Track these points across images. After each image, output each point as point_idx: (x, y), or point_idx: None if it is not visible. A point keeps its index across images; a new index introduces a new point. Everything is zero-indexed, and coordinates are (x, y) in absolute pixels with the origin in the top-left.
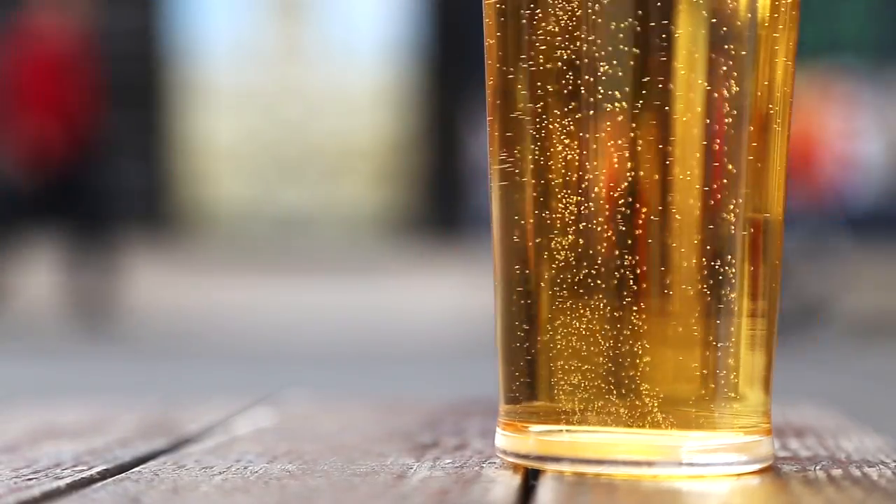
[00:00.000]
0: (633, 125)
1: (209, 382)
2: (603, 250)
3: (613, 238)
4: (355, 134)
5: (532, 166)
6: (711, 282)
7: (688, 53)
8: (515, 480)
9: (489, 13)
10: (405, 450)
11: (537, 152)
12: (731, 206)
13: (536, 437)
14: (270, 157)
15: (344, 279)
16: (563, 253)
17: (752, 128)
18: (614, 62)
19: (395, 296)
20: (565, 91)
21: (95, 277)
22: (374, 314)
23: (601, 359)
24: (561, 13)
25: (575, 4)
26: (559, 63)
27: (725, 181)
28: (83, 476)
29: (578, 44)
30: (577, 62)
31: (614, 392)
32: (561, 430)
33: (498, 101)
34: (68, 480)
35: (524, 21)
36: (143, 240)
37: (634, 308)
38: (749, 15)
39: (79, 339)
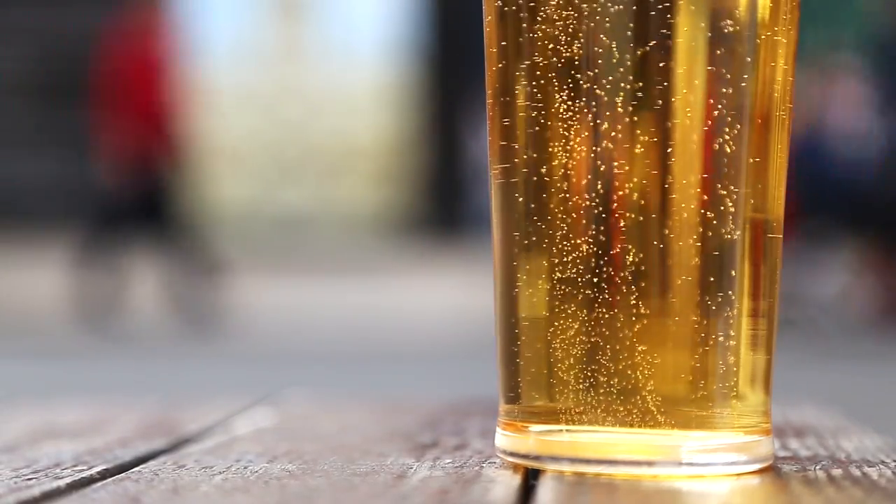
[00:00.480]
0: (633, 125)
1: (209, 382)
2: (603, 250)
3: (613, 238)
4: (355, 134)
5: (532, 166)
6: (711, 281)
7: (688, 53)
8: (515, 480)
9: (489, 13)
10: (405, 450)
11: (538, 152)
12: (731, 206)
13: (536, 437)
14: (270, 157)
15: (344, 279)
16: (563, 253)
17: (752, 127)
18: (614, 62)
19: (395, 296)
20: (565, 91)
21: (195, 279)
22: (374, 314)
23: (601, 358)
24: (561, 13)
25: (575, 4)
26: (559, 63)
27: (726, 181)
28: (83, 476)
29: (578, 43)
30: (577, 62)
31: (614, 392)
32: (561, 430)
33: (498, 101)
34: (68, 480)
35: (524, 21)
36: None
37: (634, 308)
38: (749, 15)
39: (185, 339)
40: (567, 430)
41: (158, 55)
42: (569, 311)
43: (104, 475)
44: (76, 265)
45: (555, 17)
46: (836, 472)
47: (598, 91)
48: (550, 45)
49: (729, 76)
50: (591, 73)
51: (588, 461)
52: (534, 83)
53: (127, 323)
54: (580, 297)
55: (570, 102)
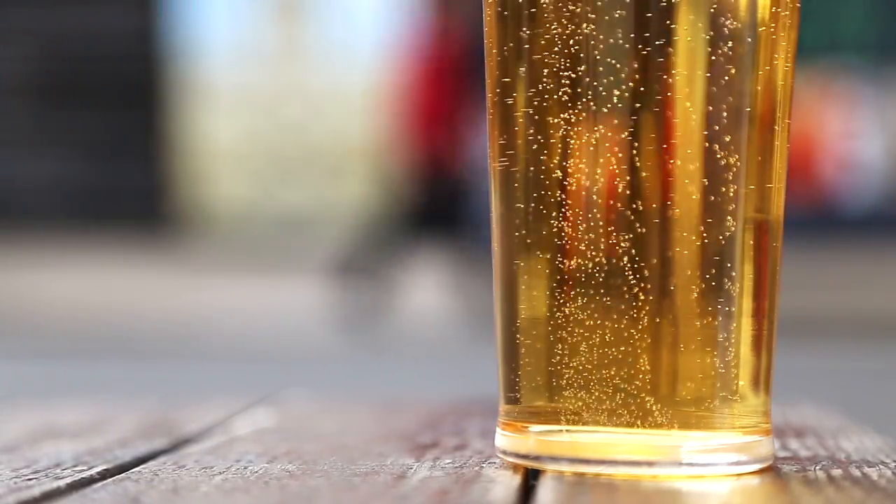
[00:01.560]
0: (633, 124)
1: (209, 382)
2: (603, 250)
3: (613, 238)
4: (355, 134)
5: (532, 165)
6: (712, 281)
7: (688, 53)
8: (515, 480)
9: (489, 13)
10: (405, 450)
11: (537, 151)
12: (731, 206)
13: (536, 437)
14: (270, 157)
15: None
16: (562, 253)
17: (752, 128)
18: (614, 61)
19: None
20: (565, 90)
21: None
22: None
23: (601, 358)
24: (561, 12)
25: (575, 4)
26: (559, 62)
27: (726, 181)
28: (83, 476)
29: (578, 43)
30: (577, 61)
31: (614, 392)
32: (561, 430)
33: (498, 101)
34: (68, 480)
35: (524, 20)
36: (143, 240)
37: (634, 308)
38: (749, 15)
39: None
40: (567, 431)
41: (452, 60)
42: (569, 311)
43: (104, 475)
44: (343, 273)
45: (554, 16)
46: (836, 472)
47: (597, 91)
48: (550, 45)
49: (729, 76)
50: (591, 73)
51: (588, 461)
52: (534, 83)
53: (389, 331)
54: (580, 297)
55: (569, 102)
